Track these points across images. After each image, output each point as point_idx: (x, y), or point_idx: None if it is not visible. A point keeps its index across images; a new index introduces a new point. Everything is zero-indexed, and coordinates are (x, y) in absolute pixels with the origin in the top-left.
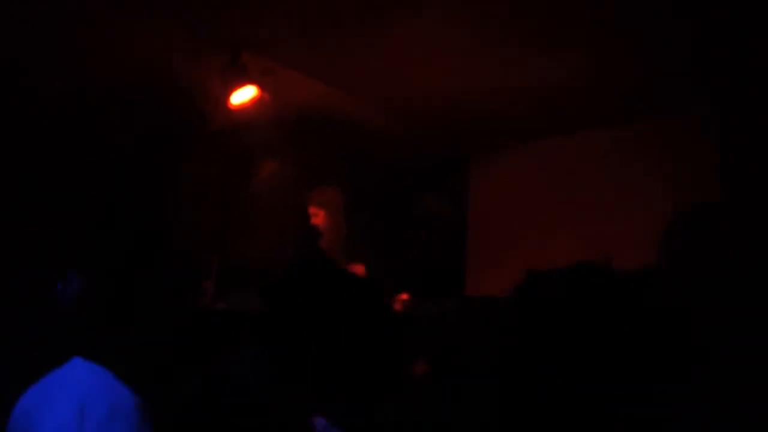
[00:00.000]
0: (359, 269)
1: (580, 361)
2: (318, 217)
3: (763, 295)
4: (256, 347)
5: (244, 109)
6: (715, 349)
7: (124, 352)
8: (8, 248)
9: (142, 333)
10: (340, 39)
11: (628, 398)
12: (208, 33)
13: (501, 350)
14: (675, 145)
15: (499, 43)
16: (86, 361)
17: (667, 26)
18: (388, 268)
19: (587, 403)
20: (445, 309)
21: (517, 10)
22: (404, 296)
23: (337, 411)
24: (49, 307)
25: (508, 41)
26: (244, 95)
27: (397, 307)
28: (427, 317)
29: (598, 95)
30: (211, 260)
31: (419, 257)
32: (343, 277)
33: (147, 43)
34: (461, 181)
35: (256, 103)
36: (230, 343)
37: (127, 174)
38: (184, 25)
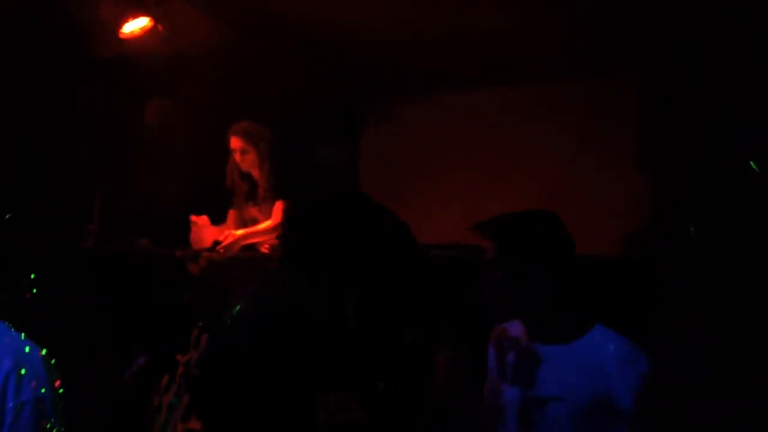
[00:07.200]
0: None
1: None
2: (247, 152)
3: None
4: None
5: (135, 40)
6: None
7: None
8: None
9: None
10: None
11: None
12: None
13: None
14: (581, 106)
15: None
16: None
17: None
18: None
19: None
20: None
21: None
22: None
23: None
24: None
25: None
26: (136, 25)
27: None
28: None
29: (509, 50)
30: (95, 200)
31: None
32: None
33: None
34: (355, 130)
35: (148, 34)
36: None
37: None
38: None
